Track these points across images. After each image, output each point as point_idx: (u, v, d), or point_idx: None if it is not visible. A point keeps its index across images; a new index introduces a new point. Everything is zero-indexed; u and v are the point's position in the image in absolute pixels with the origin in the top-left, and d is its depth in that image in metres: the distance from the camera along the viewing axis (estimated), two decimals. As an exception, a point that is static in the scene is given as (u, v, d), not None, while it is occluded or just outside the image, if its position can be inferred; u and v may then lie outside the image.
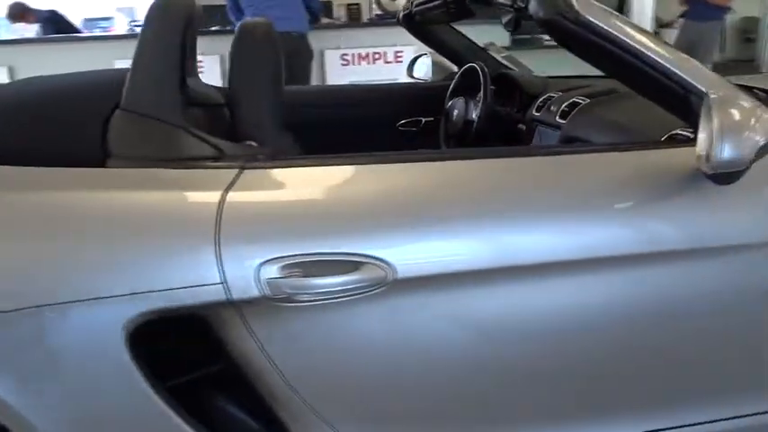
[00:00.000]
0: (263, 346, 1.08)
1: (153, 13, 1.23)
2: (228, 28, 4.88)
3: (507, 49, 5.60)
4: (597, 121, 1.78)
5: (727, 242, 1.20)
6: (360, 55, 5.11)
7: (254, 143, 1.31)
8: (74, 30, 6.16)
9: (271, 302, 1.03)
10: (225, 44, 4.91)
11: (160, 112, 1.18)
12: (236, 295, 1.01)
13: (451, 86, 2.43)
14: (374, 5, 5.44)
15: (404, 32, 4.94)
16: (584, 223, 1.15)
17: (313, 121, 2.53)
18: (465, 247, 1.10)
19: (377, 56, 5.13)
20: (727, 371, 1.31)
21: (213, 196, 1.04)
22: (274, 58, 1.41)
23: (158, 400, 1.05)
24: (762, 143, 1.09)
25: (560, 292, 1.16)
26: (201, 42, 5.21)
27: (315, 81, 5.10)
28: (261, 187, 1.09)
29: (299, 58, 4.57)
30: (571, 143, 1.81)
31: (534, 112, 2.10)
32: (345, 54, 5.11)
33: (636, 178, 1.18)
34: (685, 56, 1.33)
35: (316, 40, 5.03)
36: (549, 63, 5.45)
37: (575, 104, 1.90)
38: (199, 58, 4.90)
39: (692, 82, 1.26)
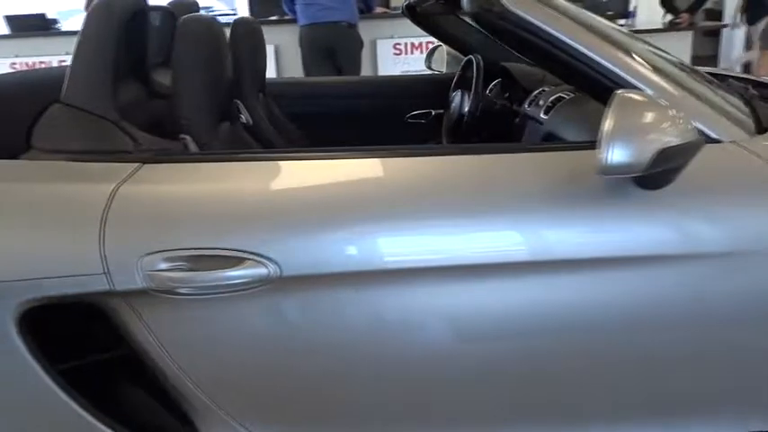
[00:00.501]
0: (156, 336, 1.11)
1: (92, 12, 1.28)
2: (286, 18, 4.96)
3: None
4: (573, 117, 1.70)
5: (652, 251, 1.13)
6: (413, 44, 5.07)
7: (187, 137, 1.34)
8: None
9: (155, 294, 1.06)
10: (279, 34, 4.98)
11: (92, 105, 1.24)
12: (118, 286, 1.04)
13: (455, 79, 2.39)
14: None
15: None
16: (483, 225, 1.11)
17: (323, 112, 2.55)
18: (349, 248, 1.08)
19: (430, 45, 5.06)
20: (671, 385, 1.24)
21: (105, 189, 1.07)
22: (212, 55, 1.43)
23: (50, 382, 1.10)
24: (661, 148, 1.00)
25: (452, 296, 1.13)
26: None
27: (366, 70, 5.11)
28: (153, 182, 1.10)
29: (348, 47, 4.58)
30: (549, 140, 1.75)
31: (526, 107, 2.02)
32: (398, 43, 5.08)
33: (566, 179, 1.13)
34: (631, 52, 1.26)
35: (368, 29, 5.03)
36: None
37: (559, 99, 1.81)
38: None
39: (627, 78, 1.19)
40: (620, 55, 1.24)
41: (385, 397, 1.20)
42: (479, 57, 2.17)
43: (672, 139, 1.02)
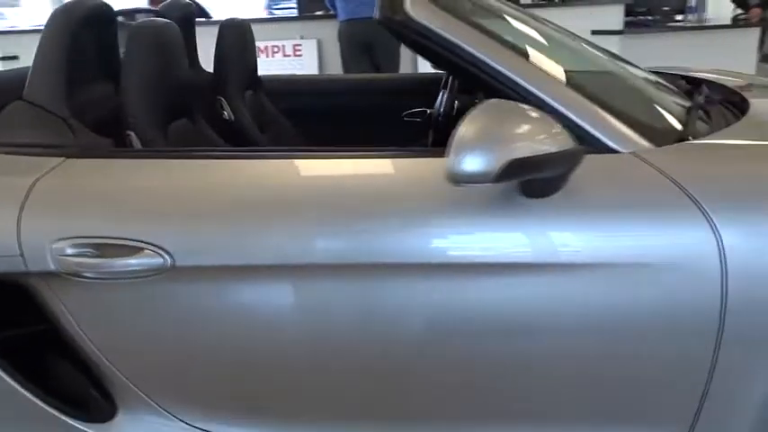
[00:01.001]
0: (73, 315, 1.25)
1: (52, 16, 1.45)
2: (331, 13, 5.07)
3: (618, 32, 5.27)
4: None
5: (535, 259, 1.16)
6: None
7: (132, 133, 1.48)
8: (206, 15, 6.72)
9: (66, 276, 1.20)
10: (323, 29, 4.99)
11: (47, 102, 1.40)
12: (32, 267, 1.19)
13: (443, 79, 2.43)
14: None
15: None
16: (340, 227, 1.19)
17: (320, 110, 2.65)
18: (235, 244, 1.18)
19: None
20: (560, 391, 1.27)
21: (27, 181, 1.22)
22: (160, 58, 1.55)
23: None
24: (513, 158, 1.03)
25: (312, 293, 1.22)
26: (302, 27, 5.45)
27: (407, 66, 5.15)
28: (71, 176, 1.24)
29: (385, 43, 4.63)
30: None
31: None
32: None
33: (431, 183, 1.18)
34: (546, 57, 1.28)
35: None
36: (669, 49, 5.04)
37: None
38: (298, 41, 5.04)
39: (527, 86, 1.22)
40: (522, 63, 1.28)
41: (275, 381, 1.31)
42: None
43: (535, 148, 1.04)
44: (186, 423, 1.35)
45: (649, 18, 5.89)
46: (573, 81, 1.33)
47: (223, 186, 1.23)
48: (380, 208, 1.18)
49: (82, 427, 1.34)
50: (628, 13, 5.54)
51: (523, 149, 1.04)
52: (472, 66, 1.26)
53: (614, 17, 5.15)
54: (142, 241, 1.18)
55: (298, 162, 1.27)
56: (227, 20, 2.19)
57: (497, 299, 1.19)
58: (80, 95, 1.53)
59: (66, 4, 1.49)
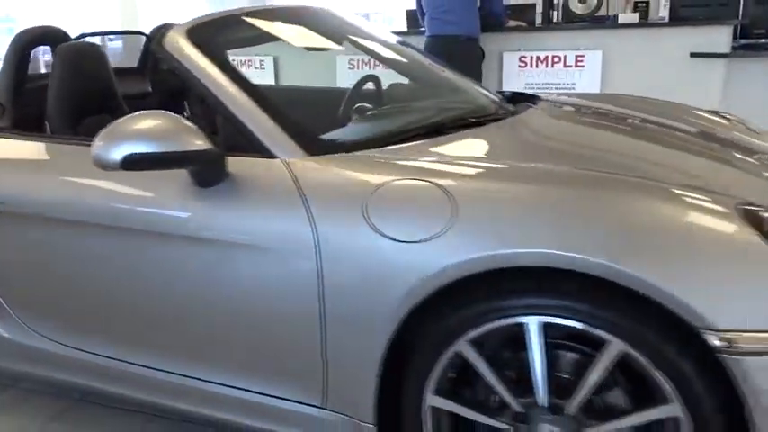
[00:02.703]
0: None
1: (14, 36, 2.03)
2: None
3: (724, 56, 4.92)
4: None
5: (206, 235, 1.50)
6: (538, 58, 5.01)
7: (47, 122, 2.01)
8: None
9: None
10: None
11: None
12: None
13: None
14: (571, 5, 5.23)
15: (589, 36, 4.71)
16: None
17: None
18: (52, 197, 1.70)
19: (556, 59, 4.97)
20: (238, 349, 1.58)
21: None
22: (73, 71, 2.00)
23: None
24: (131, 153, 1.35)
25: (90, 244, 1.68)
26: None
27: (492, 81, 5.16)
28: None
29: (463, 59, 4.72)
30: None
31: None
32: (524, 57, 5.06)
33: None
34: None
35: (496, 41, 5.10)
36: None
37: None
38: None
39: (230, 108, 1.58)
40: (247, 103, 1.57)
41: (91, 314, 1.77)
42: (375, 76, 2.39)
43: (159, 147, 1.36)
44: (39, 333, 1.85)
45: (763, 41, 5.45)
46: (263, 96, 1.60)
47: (39, 161, 1.81)
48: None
49: None
50: (744, 35, 5.19)
51: (145, 147, 1.36)
52: (217, 103, 1.59)
53: (720, 38, 4.81)
54: None
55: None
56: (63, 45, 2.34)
57: (176, 266, 1.57)
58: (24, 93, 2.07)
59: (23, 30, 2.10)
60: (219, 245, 1.49)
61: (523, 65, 5.06)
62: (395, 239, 1.31)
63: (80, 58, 2.06)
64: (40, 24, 2.17)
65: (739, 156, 1.86)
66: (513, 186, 1.32)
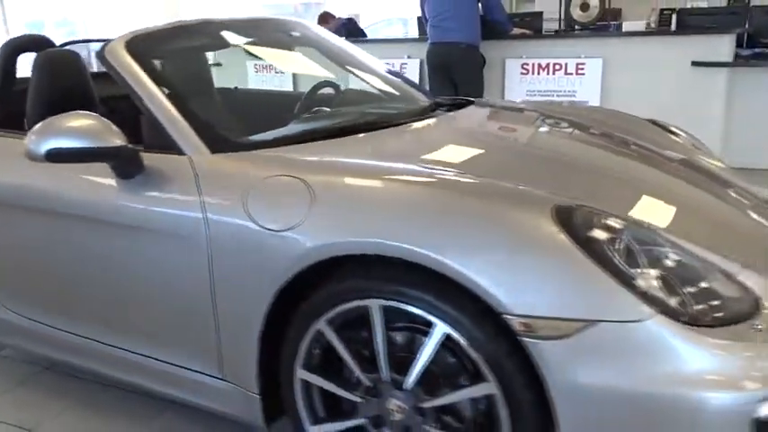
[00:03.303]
0: None
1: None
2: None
3: (726, 65, 4.86)
4: None
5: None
6: (539, 65, 5.09)
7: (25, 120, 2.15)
8: (362, 35, 7.30)
9: None
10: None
11: None
12: None
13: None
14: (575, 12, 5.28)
15: (590, 45, 4.72)
16: None
17: None
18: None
19: (557, 66, 5.04)
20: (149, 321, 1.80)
21: None
22: (49, 75, 2.15)
23: None
24: (53, 147, 1.58)
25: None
26: (410, 48, 5.70)
27: (495, 88, 5.26)
28: None
29: (463, 66, 4.87)
30: None
31: None
32: (525, 63, 5.14)
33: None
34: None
35: (500, 48, 5.20)
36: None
37: None
38: (404, 60, 5.08)
39: (159, 118, 1.76)
40: (165, 105, 1.77)
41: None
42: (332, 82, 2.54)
43: (76, 143, 1.57)
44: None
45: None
46: (183, 101, 1.81)
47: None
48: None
49: None
50: (751, 44, 5.13)
51: (69, 143, 1.57)
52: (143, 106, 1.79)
53: (722, 47, 4.78)
54: None
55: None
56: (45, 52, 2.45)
57: (100, 247, 1.79)
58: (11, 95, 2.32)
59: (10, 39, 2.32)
60: (133, 230, 1.69)
61: (525, 72, 5.15)
62: (266, 228, 1.49)
63: (56, 64, 2.26)
64: (26, 33, 2.43)
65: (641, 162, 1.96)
66: (369, 183, 1.47)
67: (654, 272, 1.29)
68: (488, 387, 1.32)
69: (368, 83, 2.51)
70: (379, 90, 2.50)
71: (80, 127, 1.60)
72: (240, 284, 1.56)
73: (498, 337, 1.29)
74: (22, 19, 12.96)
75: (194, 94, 2.00)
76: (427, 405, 1.42)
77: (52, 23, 13.01)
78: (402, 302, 1.38)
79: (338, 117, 2.16)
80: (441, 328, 1.34)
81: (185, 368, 1.76)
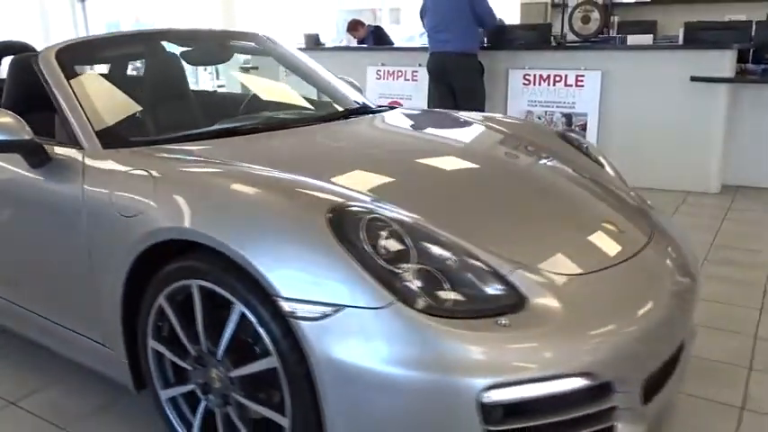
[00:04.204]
0: None
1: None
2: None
3: (727, 80, 4.74)
4: None
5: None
6: (541, 76, 5.14)
7: None
8: (389, 42, 7.53)
9: None
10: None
11: None
12: None
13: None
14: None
15: (590, 57, 4.75)
16: None
17: None
18: None
19: (557, 78, 5.08)
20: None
21: None
22: (19, 78, 2.37)
23: None
24: None
25: None
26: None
27: (498, 98, 5.36)
28: None
29: (463, 74, 5.04)
30: None
31: None
32: (527, 74, 5.21)
33: None
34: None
35: (503, 58, 5.30)
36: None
37: None
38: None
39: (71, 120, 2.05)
40: (72, 104, 2.05)
41: None
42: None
43: None
44: None
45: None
46: (91, 102, 2.08)
47: None
48: None
49: None
50: (757, 59, 5.01)
51: None
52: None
53: (723, 62, 4.69)
54: None
55: None
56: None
57: (18, 222, 2.10)
58: None
59: None
60: (37, 208, 2.02)
61: (527, 83, 5.22)
62: (122, 215, 1.74)
63: (26, 67, 2.57)
64: (5, 40, 2.79)
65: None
66: (196, 178, 1.73)
67: (414, 266, 1.45)
68: (272, 361, 1.52)
69: (285, 91, 2.74)
70: (301, 97, 2.72)
71: None
72: (106, 261, 1.82)
73: (276, 318, 1.48)
74: (102, 19, 13.98)
75: (109, 97, 2.28)
76: (234, 375, 1.62)
77: (128, 24, 13.95)
78: (213, 283, 1.59)
79: (235, 121, 2.40)
80: (238, 308, 1.55)
81: (80, 334, 2.04)
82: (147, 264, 1.73)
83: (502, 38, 5.39)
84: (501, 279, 1.50)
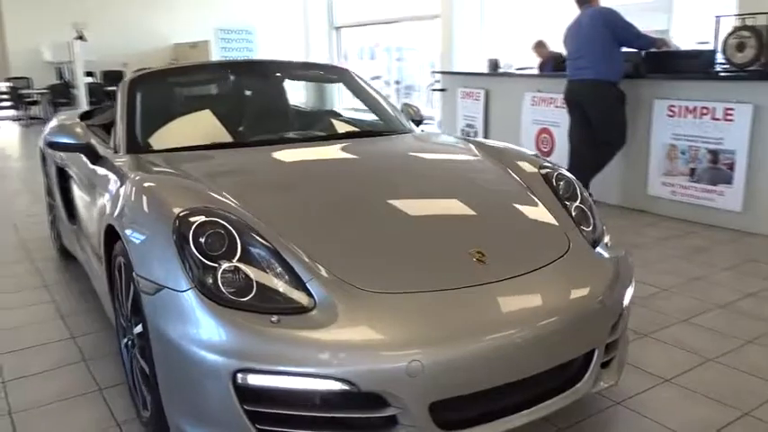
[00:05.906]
0: None
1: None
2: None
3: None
4: None
5: None
6: (687, 108, 4.68)
7: None
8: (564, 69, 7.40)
9: None
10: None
11: None
12: None
13: None
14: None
15: (743, 89, 4.38)
16: None
17: None
18: None
19: (704, 111, 4.58)
20: None
21: None
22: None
23: None
24: None
25: None
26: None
27: (641, 129, 5.00)
28: None
29: (602, 102, 4.91)
30: None
31: None
32: (672, 105, 4.77)
33: None
34: None
35: (648, 88, 4.95)
36: None
37: None
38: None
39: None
40: (118, 117, 2.73)
41: None
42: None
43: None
44: None
45: None
46: (131, 115, 2.66)
47: None
48: None
49: None
50: None
51: (58, 139, 2.51)
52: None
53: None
54: None
55: None
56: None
57: None
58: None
59: None
60: (92, 186, 2.68)
61: (672, 114, 4.81)
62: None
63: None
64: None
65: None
66: (173, 181, 2.19)
67: (231, 264, 1.71)
68: (142, 326, 1.90)
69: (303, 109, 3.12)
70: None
71: (68, 129, 2.64)
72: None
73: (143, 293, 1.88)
74: (351, 44, 15.71)
75: (153, 116, 2.85)
76: (134, 332, 2.04)
77: (368, 47, 15.51)
78: (124, 259, 2.04)
79: (245, 135, 2.91)
80: (132, 279, 1.97)
81: None
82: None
83: (658, 64, 5.02)
84: (300, 284, 1.70)
